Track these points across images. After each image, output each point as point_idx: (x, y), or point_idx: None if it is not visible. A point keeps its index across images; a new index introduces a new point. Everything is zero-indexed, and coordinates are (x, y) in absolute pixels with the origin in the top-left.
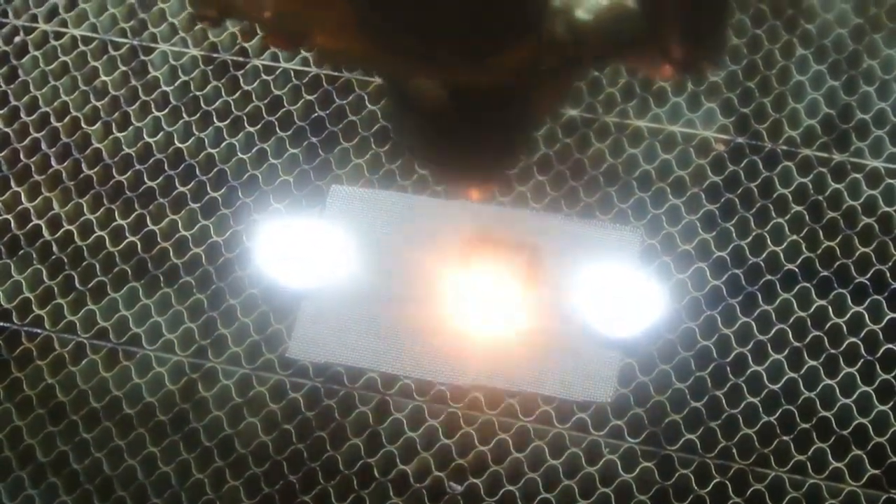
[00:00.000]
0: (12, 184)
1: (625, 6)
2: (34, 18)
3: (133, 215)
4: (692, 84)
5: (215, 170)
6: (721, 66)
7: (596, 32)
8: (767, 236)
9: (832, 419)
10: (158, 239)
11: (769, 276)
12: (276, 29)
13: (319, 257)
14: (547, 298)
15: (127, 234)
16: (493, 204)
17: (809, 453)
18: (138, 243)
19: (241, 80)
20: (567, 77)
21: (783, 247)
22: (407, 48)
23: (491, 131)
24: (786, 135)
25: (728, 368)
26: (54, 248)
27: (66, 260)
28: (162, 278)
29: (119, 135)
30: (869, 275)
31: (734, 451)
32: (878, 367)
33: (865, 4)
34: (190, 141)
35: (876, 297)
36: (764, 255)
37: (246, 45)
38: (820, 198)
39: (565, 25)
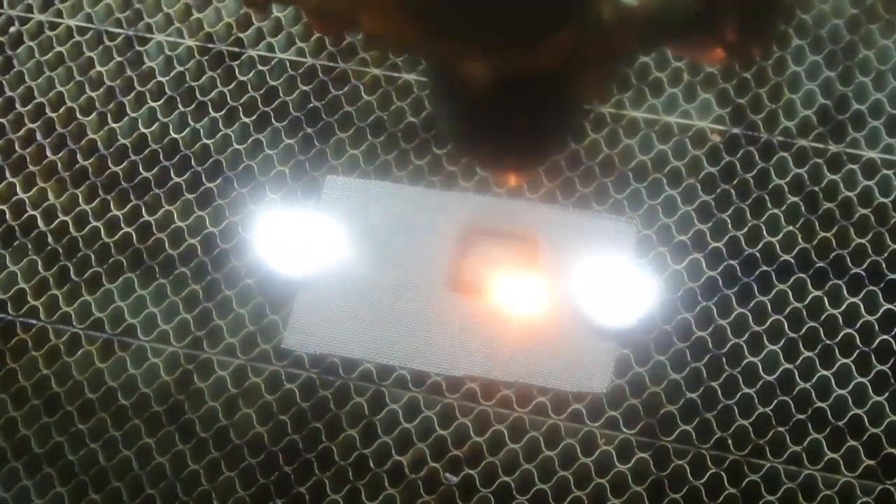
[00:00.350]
0: (7, 174)
1: None
2: (29, 9)
3: (128, 206)
4: (688, 75)
5: (210, 160)
6: (770, 51)
7: (644, 17)
8: (763, 227)
9: (827, 410)
10: (153, 230)
11: (765, 267)
12: (322, 13)
13: (315, 248)
14: (543, 289)
15: (122, 225)
16: (488, 195)
17: (805, 444)
18: (133, 234)
19: (237, 71)
20: (613, 63)
21: (779, 237)
22: (453, 33)
23: (536, 117)
24: (781, 125)
25: (723, 359)
26: (49, 239)
27: (61, 251)
28: (157, 269)
29: (114, 125)
30: (864, 265)
31: (729, 441)
32: (873, 357)
33: None
34: (185, 131)
35: (871, 287)
36: (759, 246)
37: (241, 34)
38: (815, 188)
39: (612, 10)
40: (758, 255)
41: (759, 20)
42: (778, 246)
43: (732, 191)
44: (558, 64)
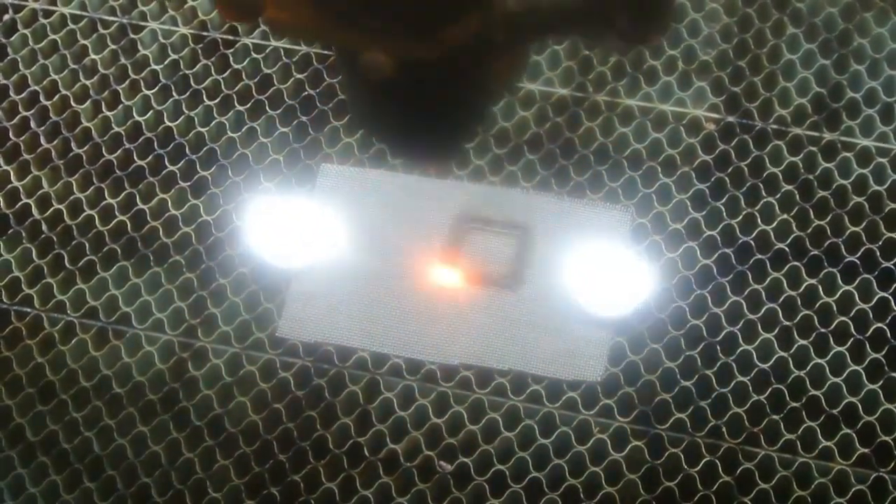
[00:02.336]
0: (1, 162)
1: None
2: None
3: (123, 194)
4: (682, 63)
5: (205, 148)
6: (666, 36)
7: (545, 5)
8: (758, 215)
9: (822, 398)
10: (148, 218)
11: (759, 255)
12: (228, 1)
13: (309, 236)
14: (537, 277)
15: (116, 213)
16: (483, 183)
17: (799, 432)
18: (128, 222)
19: (231, 59)
20: (520, 50)
21: (773, 226)
22: (357, 21)
23: (443, 105)
24: (776, 114)
25: (718, 347)
26: (44, 227)
27: (55, 239)
28: (152, 257)
29: (108, 113)
30: (859, 254)
31: (724, 430)
32: (867, 346)
33: None
34: (180, 119)
35: (866, 275)
36: (754, 234)
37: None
38: (810, 177)
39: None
40: (752, 243)
41: (647, 5)
42: (772, 234)
43: (727, 179)
44: (463, 51)
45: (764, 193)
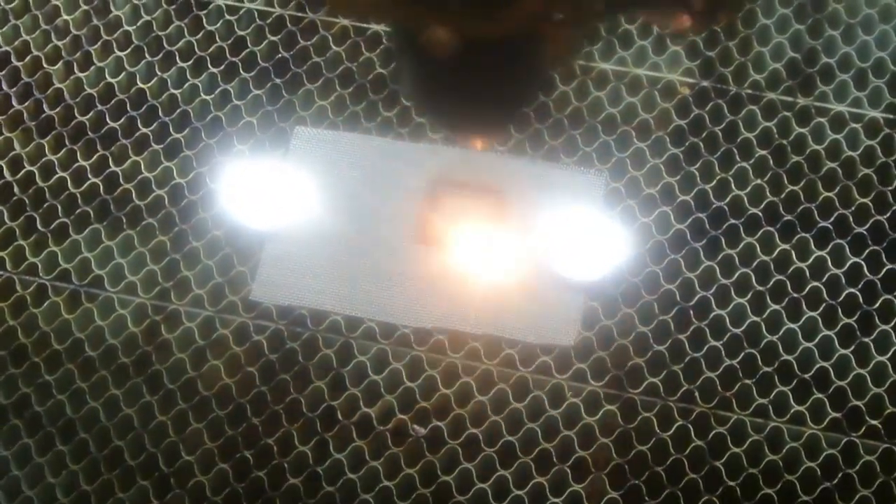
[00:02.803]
0: None
1: None
2: None
3: (95, 156)
4: (658, 27)
5: (178, 111)
6: (738, 16)
7: None
8: (731, 180)
9: (794, 363)
10: (121, 180)
11: (733, 220)
12: None
13: (283, 199)
14: (511, 241)
15: (89, 176)
16: (457, 147)
17: (771, 397)
18: (100, 185)
19: (205, 21)
20: (581, 27)
21: (747, 191)
22: None
23: (499, 82)
24: (750, 78)
25: (691, 312)
26: (16, 190)
27: (27, 201)
28: (124, 220)
29: (81, 75)
30: (832, 219)
31: (696, 394)
32: (839, 311)
33: None
34: (152, 81)
35: (839, 241)
36: (728, 199)
37: None
38: (784, 142)
39: None
40: (726, 208)
41: None
42: (746, 199)
43: (701, 144)
44: (523, 29)
45: (738, 158)
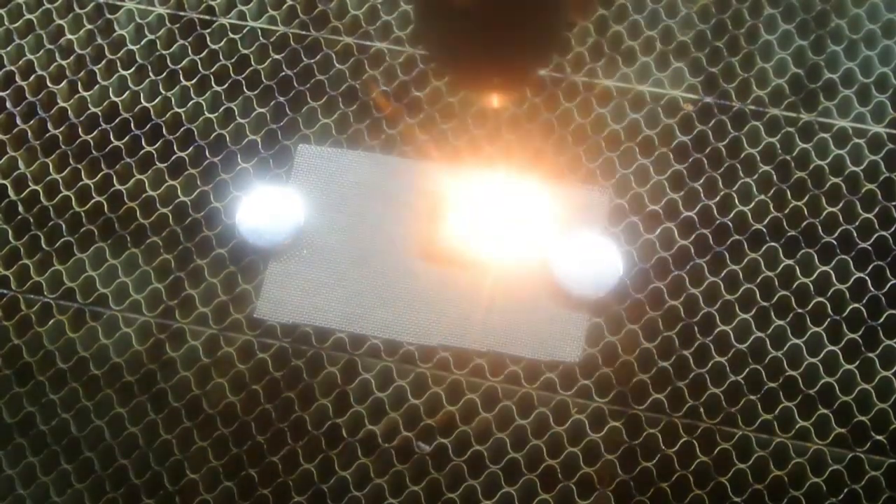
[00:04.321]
0: None
1: None
2: None
3: (99, 175)
4: (660, 43)
5: (182, 129)
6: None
7: None
8: (735, 196)
9: (799, 378)
10: (125, 199)
11: (737, 236)
12: None
13: (287, 217)
14: (515, 258)
15: (93, 194)
16: (461, 164)
17: (776, 412)
18: (105, 203)
19: (208, 39)
20: None
21: (750, 206)
22: None
23: (521, 30)
24: (754, 94)
25: (696, 328)
26: (20, 209)
27: (31, 220)
28: (129, 238)
29: (85, 94)
30: (836, 234)
31: (701, 410)
32: (844, 326)
33: None
34: (156, 100)
35: (843, 256)
36: (732, 215)
37: (213, 2)
38: (787, 157)
39: None
40: (729, 224)
41: None
42: (750, 215)
43: (704, 160)
44: None
45: (741, 174)
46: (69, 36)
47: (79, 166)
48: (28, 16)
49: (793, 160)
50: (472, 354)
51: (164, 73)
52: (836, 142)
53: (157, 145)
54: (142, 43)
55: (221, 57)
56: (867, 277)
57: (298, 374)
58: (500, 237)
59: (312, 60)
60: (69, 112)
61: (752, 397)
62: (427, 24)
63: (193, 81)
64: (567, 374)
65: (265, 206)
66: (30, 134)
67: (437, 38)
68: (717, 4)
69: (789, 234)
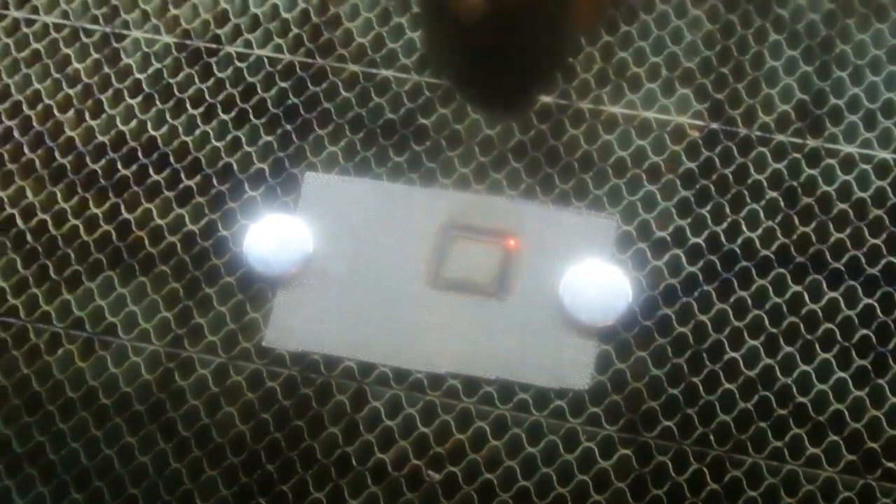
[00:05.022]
0: None
1: None
2: (5, 5)
3: (107, 204)
4: (666, 70)
5: (189, 158)
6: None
7: None
8: (742, 222)
9: (808, 405)
10: (133, 227)
11: (745, 263)
12: None
13: (295, 245)
14: (523, 285)
15: (101, 223)
16: (468, 191)
17: (786, 439)
18: (112, 232)
19: (215, 68)
20: None
21: (758, 233)
22: None
23: (529, 49)
24: (760, 120)
25: (705, 355)
26: (28, 238)
27: (40, 249)
28: (137, 267)
29: (92, 123)
30: (844, 260)
31: (711, 437)
32: (853, 352)
33: None
34: (163, 129)
35: (851, 282)
36: (739, 242)
37: (219, 31)
38: (794, 183)
39: None
40: (737, 250)
41: None
42: (757, 241)
43: (712, 186)
44: None
45: (749, 200)
46: (76, 65)
47: (87, 195)
48: (35, 45)
49: (800, 186)
50: (481, 382)
51: (171, 102)
52: (842, 167)
53: (164, 174)
54: (149, 72)
55: (228, 85)
56: (876, 303)
57: (308, 403)
58: (508, 264)
59: (319, 88)
60: (77, 141)
61: (762, 424)
62: (434, 48)
63: (200, 110)
64: (576, 401)
65: (273, 235)
66: (37, 163)
67: (445, 62)
68: (722, 30)
69: (797, 260)
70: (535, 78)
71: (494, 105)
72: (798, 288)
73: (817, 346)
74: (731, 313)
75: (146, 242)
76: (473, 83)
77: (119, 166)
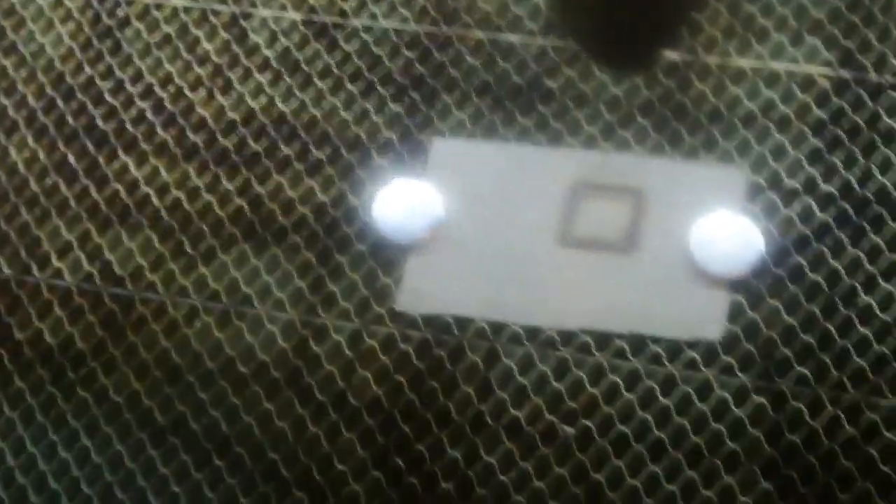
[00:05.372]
0: (120, 154)
1: None
2: None
3: (239, 179)
4: (794, 21)
5: (318, 130)
6: None
7: None
8: (874, 168)
9: None
10: (265, 201)
11: (877, 208)
12: None
13: (424, 211)
14: (653, 240)
15: (234, 198)
16: (596, 149)
17: None
18: (245, 206)
19: (341, 41)
20: None
21: (891, 178)
22: None
23: (650, 11)
24: (890, 66)
25: (838, 300)
26: (164, 215)
27: (175, 225)
28: (270, 239)
29: (222, 101)
30: None
31: (847, 381)
32: None
33: None
34: (292, 103)
35: None
36: (872, 187)
37: (344, 5)
38: None
39: None
40: (870, 196)
41: None
42: (890, 186)
43: (842, 133)
44: None
45: (880, 146)
46: (205, 45)
47: (218, 171)
48: (165, 28)
49: None
50: (613, 336)
51: (298, 77)
52: None
53: (294, 147)
54: (276, 48)
55: (354, 58)
56: None
57: (441, 364)
58: (637, 220)
59: (444, 57)
60: (207, 119)
61: None
62: (559, 9)
63: (327, 82)
64: (709, 352)
65: (402, 202)
66: (170, 142)
67: (570, 22)
68: None
69: None
70: (661, 34)
71: (621, 62)
72: None
73: None
74: (864, 258)
75: (278, 214)
76: (599, 42)
77: (249, 141)
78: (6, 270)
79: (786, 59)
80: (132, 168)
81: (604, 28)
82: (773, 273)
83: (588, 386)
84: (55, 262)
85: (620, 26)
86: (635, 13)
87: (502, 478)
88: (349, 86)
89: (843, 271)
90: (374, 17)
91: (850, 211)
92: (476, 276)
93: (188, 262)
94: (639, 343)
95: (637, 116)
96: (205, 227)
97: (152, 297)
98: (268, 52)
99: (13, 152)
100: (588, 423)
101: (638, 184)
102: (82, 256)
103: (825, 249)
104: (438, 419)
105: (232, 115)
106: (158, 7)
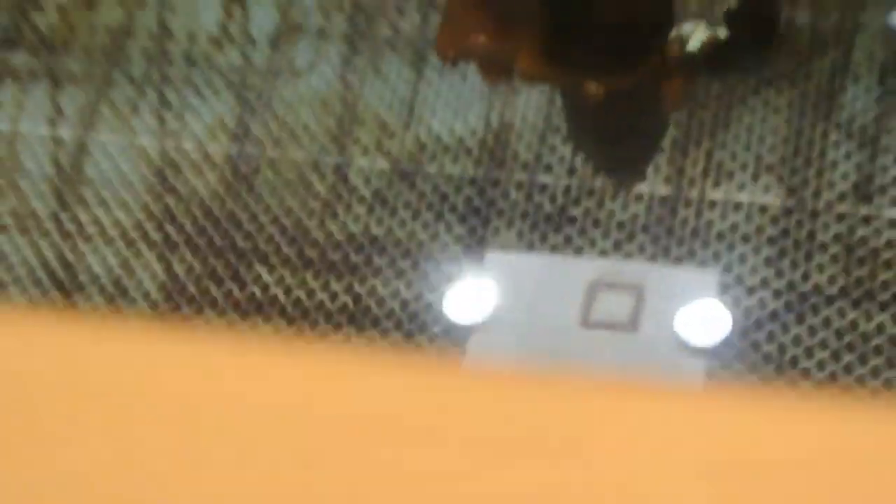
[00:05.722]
0: None
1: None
2: None
3: (344, 282)
4: (753, 164)
5: (402, 246)
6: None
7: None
8: (812, 270)
9: None
10: (362, 297)
11: (815, 299)
12: (487, 63)
13: (480, 305)
14: (650, 323)
15: (340, 295)
16: (608, 258)
17: None
18: (350, 302)
19: (419, 182)
20: (687, 81)
21: (821, 278)
22: (578, 63)
23: (639, 122)
24: (823, 196)
25: (786, 364)
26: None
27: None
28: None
29: (330, 227)
30: None
31: None
32: None
33: None
34: (383, 226)
35: None
36: (808, 285)
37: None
38: None
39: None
40: (807, 291)
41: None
42: (823, 282)
43: (789, 245)
44: (649, 83)
45: (815, 255)
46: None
47: (329, 278)
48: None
49: None
50: None
51: (388, 208)
52: None
53: (384, 259)
54: (370, 187)
55: (428, 195)
56: None
57: None
58: (639, 308)
59: (496, 193)
60: (320, 241)
61: None
62: (568, 118)
63: (408, 213)
64: None
65: (467, 298)
66: (293, 257)
67: (578, 129)
68: None
69: None
70: (645, 142)
71: (616, 173)
72: None
73: None
74: (804, 335)
75: (372, 307)
76: (599, 156)
77: (351, 255)
78: None
79: (747, 192)
80: None
81: (601, 144)
82: (738, 346)
83: None
84: None
85: (614, 142)
86: (632, 140)
87: None
88: (425, 213)
89: (788, 344)
90: (442, 166)
91: (795, 301)
92: (519, 351)
93: None
94: None
95: (637, 234)
96: None
97: None
98: (364, 191)
99: None
100: None
101: (639, 282)
102: None
103: (776, 329)
104: None
105: (339, 237)
106: None
